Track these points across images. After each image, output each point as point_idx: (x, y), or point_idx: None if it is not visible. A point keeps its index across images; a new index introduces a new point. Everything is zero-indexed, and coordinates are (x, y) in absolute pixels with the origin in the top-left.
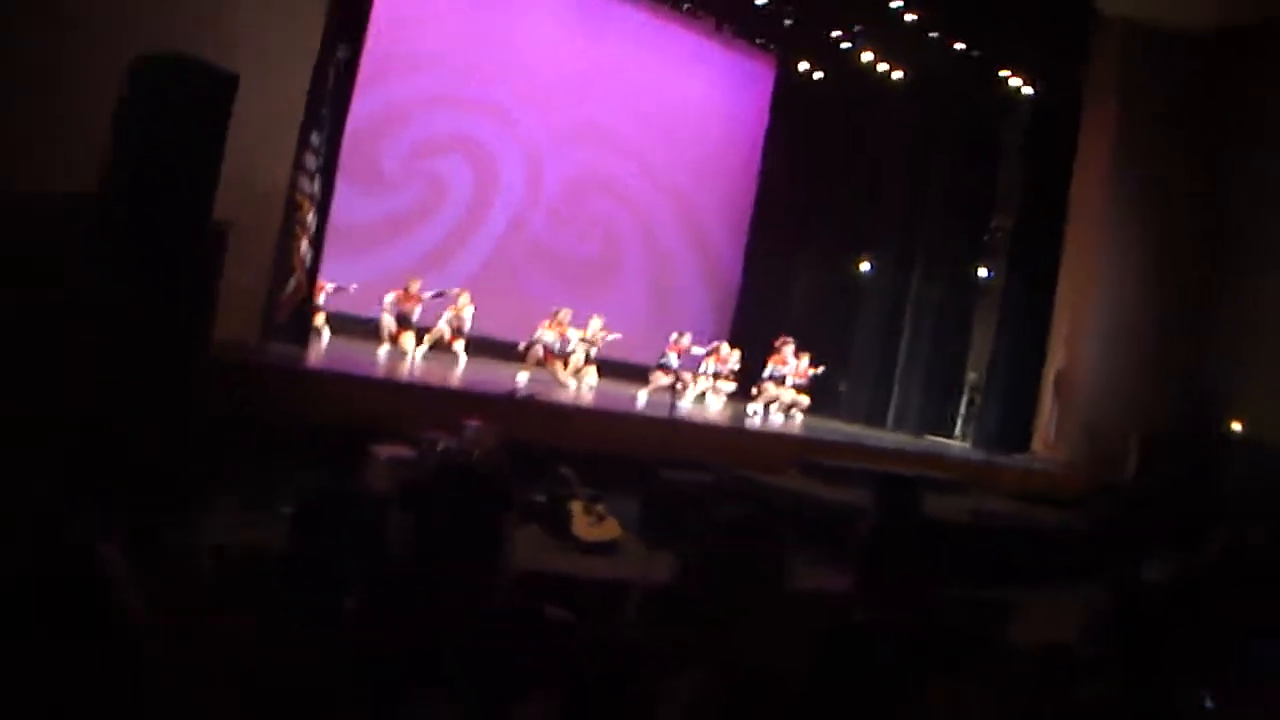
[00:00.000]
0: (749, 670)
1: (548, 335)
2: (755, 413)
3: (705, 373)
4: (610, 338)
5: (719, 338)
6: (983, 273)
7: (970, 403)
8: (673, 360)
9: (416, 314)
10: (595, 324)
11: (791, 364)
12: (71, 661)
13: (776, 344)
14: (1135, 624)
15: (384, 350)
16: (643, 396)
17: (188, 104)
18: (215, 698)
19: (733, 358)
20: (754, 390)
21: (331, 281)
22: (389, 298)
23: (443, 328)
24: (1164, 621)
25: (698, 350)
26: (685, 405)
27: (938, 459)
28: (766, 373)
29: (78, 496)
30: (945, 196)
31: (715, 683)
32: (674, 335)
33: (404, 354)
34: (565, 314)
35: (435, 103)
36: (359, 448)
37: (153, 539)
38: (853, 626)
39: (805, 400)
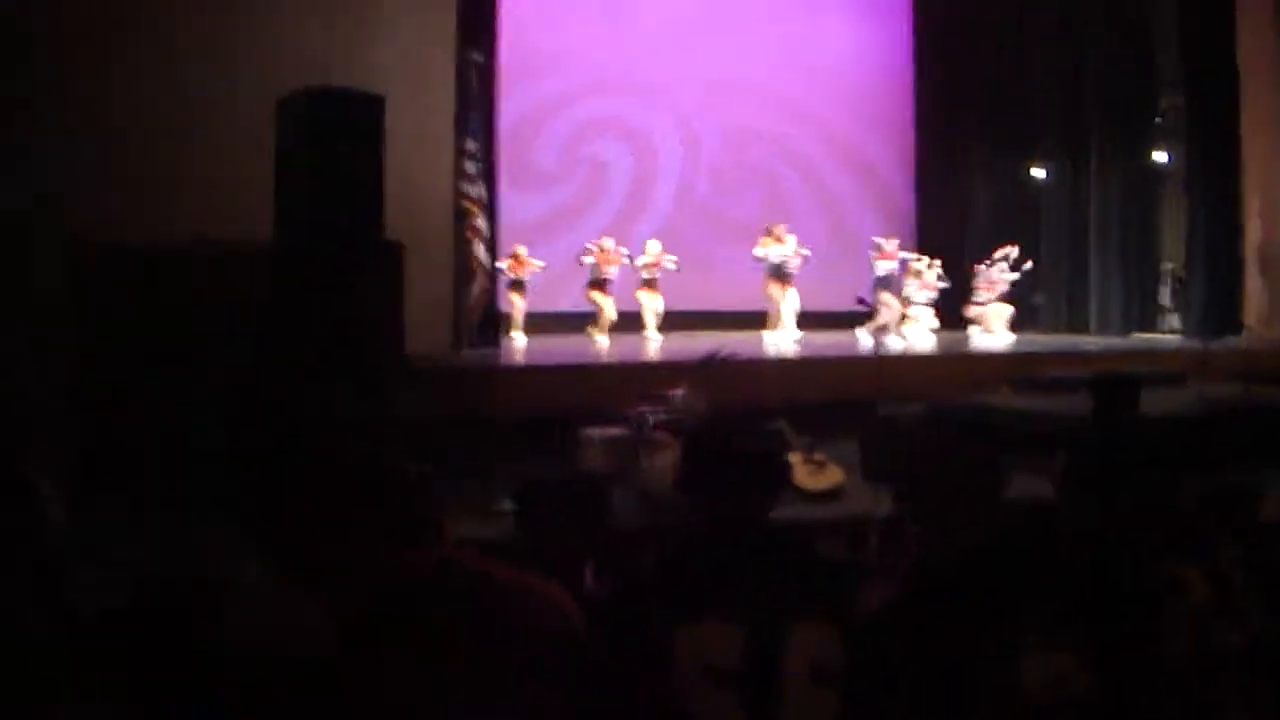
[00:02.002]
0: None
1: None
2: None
3: (910, 297)
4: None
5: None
6: (1161, 157)
7: (1173, 293)
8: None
9: (615, 273)
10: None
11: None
12: None
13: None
14: None
15: (602, 336)
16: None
17: (340, 132)
18: None
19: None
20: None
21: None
22: (588, 259)
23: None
24: None
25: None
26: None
27: (1152, 354)
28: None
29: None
30: (1108, 87)
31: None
32: (879, 241)
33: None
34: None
35: (581, 91)
36: (569, 433)
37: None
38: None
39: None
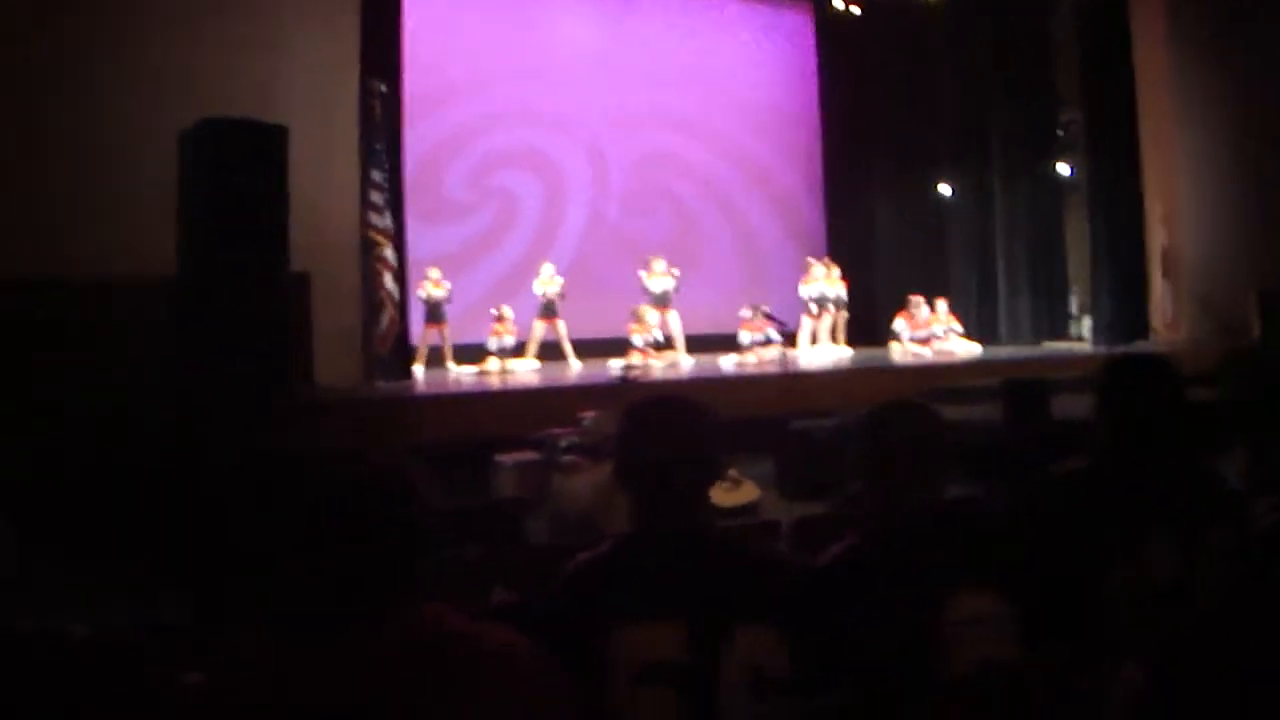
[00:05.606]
0: None
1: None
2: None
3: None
4: None
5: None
6: (1064, 170)
7: (1079, 301)
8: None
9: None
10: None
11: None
12: None
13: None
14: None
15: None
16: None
17: (243, 163)
18: None
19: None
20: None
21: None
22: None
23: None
24: None
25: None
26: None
27: (1061, 361)
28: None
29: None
30: (1010, 103)
31: None
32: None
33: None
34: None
35: (490, 122)
36: (486, 459)
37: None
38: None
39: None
